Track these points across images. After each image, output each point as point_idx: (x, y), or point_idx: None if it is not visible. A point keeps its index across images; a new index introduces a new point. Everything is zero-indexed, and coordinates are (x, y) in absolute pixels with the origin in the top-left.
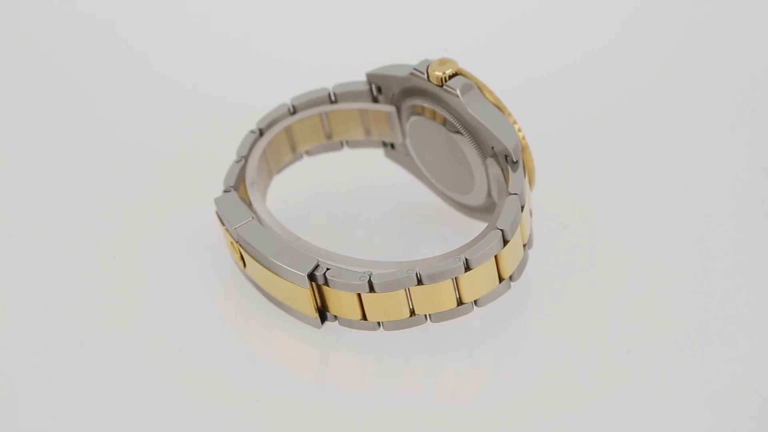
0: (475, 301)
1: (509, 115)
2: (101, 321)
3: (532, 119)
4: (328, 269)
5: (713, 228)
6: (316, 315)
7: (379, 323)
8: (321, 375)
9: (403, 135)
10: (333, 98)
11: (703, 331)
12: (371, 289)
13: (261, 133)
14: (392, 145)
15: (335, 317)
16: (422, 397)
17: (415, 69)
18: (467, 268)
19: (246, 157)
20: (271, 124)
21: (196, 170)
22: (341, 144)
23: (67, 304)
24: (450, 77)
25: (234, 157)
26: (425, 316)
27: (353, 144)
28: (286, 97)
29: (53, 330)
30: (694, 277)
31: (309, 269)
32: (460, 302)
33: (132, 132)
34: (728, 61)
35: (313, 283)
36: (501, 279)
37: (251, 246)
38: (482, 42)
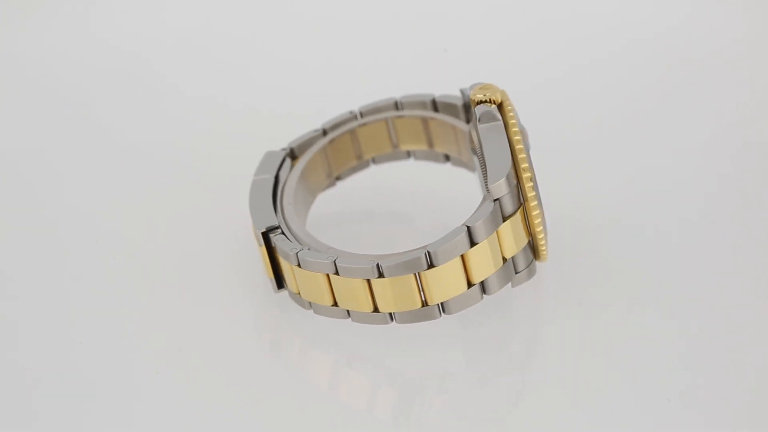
0: (393, 315)
1: (522, 161)
2: (101, 321)
3: (532, 119)
4: (281, 234)
5: (717, 229)
6: (272, 277)
7: (310, 303)
8: (329, 380)
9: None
10: (435, 107)
11: (706, 334)
12: (298, 263)
13: (361, 115)
14: None
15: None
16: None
17: (465, 90)
18: (380, 274)
19: (326, 131)
20: (373, 112)
21: (198, 173)
22: (445, 157)
23: (66, 304)
24: (481, 102)
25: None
26: (347, 311)
27: (455, 161)
28: (291, 103)
29: (51, 330)
30: (698, 279)
31: (264, 227)
32: (375, 309)
33: (139, 132)
34: (730, 61)
35: (272, 246)
36: (425, 304)
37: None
38: (482, 41)
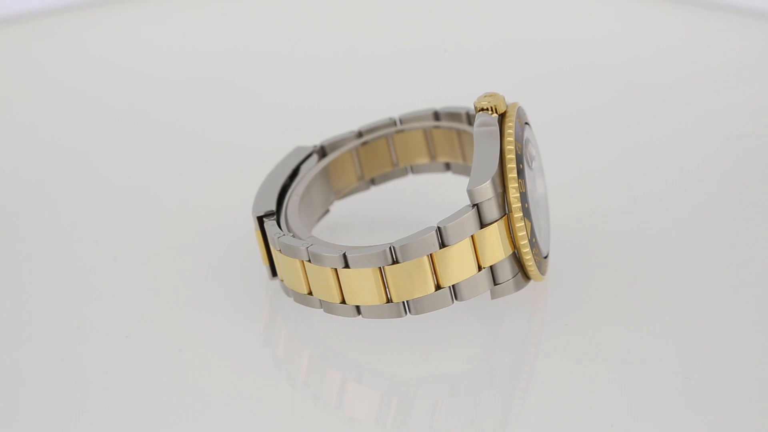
0: (359, 308)
1: (511, 171)
2: (99, 321)
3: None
4: (274, 220)
5: (718, 231)
6: (268, 264)
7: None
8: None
9: None
10: (469, 120)
11: (709, 339)
12: (280, 249)
13: (400, 122)
14: None
15: None
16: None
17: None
18: (346, 264)
19: (362, 134)
20: (411, 120)
21: (200, 179)
22: None
23: (64, 305)
24: (483, 110)
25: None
26: (319, 300)
27: None
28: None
29: (48, 329)
30: (704, 282)
31: (261, 212)
32: (343, 300)
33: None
34: (730, 62)
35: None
36: (390, 300)
37: None
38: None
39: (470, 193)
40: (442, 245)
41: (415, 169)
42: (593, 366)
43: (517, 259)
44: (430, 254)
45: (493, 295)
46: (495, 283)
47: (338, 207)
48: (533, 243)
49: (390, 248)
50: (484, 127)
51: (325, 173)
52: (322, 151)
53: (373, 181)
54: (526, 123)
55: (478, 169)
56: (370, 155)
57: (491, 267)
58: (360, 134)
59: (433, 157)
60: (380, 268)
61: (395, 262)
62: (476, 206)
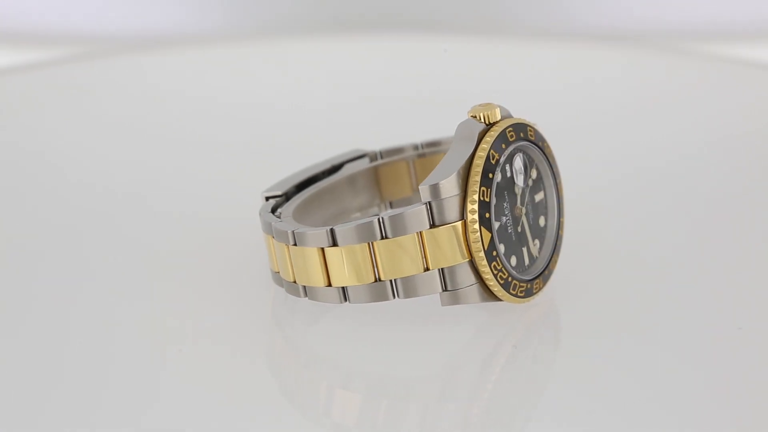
0: (305, 289)
1: (475, 174)
2: (100, 321)
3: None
4: (274, 201)
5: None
6: None
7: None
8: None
9: None
10: None
11: (714, 342)
12: (262, 226)
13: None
14: None
15: None
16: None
17: None
18: (295, 242)
19: (420, 147)
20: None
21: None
22: None
23: (65, 305)
24: (473, 118)
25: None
26: (283, 279)
27: None
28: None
29: (49, 331)
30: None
31: (269, 193)
32: (295, 279)
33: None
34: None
35: None
36: (329, 284)
37: None
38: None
39: (420, 190)
40: (384, 236)
41: None
42: (567, 389)
43: (474, 268)
44: (371, 243)
45: (443, 301)
46: (446, 288)
47: None
48: (492, 257)
49: (329, 231)
50: (465, 132)
51: (373, 177)
52: (380, 157)
53: None
54: (528, 140)
55: (439, 168)
56: (428, 169)
57: (443, 270)
58: (420, 147)
59: None
60: (322, 249)
61: (334, 245)
62: (428, 204)
